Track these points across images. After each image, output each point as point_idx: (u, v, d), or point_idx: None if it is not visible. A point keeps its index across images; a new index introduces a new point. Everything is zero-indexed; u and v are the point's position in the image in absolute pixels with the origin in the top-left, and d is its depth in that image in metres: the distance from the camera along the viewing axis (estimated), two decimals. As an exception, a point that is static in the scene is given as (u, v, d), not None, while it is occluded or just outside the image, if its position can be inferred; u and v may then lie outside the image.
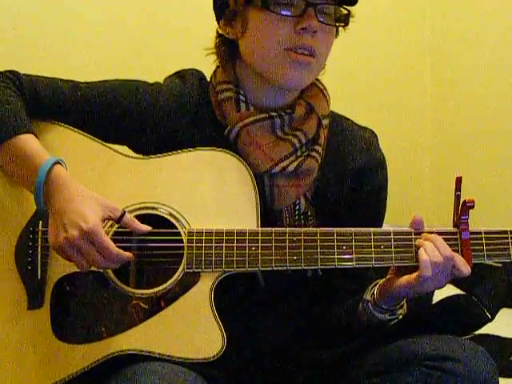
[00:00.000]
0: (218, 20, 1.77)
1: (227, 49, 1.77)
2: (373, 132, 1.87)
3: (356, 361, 1.75)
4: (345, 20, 1.72)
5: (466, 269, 1.61)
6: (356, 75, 3.47)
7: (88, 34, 2.78)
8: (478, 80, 3.48)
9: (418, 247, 1.63)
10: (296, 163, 1.71)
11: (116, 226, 1.65)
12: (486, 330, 2.69)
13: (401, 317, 1.71)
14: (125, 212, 1.61)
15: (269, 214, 1.72)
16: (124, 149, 1.76)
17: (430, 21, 3.64)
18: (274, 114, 1.73)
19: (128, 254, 1.59)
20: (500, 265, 2.59)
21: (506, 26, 3.35)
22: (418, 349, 1.64)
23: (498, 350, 2.54)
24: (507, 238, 1.64)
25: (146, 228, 1.63)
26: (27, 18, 2.69)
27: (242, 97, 1.74)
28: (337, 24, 1.72)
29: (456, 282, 1.91)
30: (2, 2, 2.67)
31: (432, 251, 1.60)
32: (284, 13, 1.65)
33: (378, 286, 1.70)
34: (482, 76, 3.47)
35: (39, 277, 1.67)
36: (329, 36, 1.71)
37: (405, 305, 1.71)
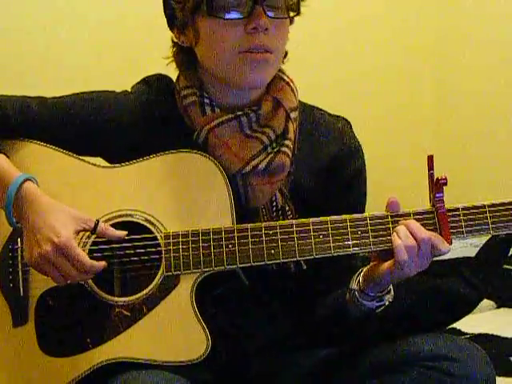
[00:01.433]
0: (170, 29, 1.76)
1: (185, 56, 1.75)
2: (346, 120, 1.85)
3: (352, 361, 1.74)
4: (297, 8, 1.70)
5: (444, 247, 1.59)
6: (357, 76, 3.52)
7: (87, 34, 2.83)
8: (478, 80, 3.52)
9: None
10: (267, 160, 1.70)
11: (93, 236, 1.65)
12: (485, 329, 2.69)
13: (388, 303, 1.68)
14: (98, 221, 1.62)
15: (246, 215, 1.71)
16: (98, 160, 1.76)
17: (431, 21, 3.70)
18: (239, 113, 1.72)
19: (101, 263, 1.59)
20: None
21: (508, 27, 3.39)
22: (414, 349, 1.64)
23: (497, 350, 2.54)
24: (485, 212, 1.62)
25: (122, 233, 1.63)
26: (26, 19, 2.73)
27: (206, 100, 1.73)
28: (290, 15, 1.70)
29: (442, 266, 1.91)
30: (1, 2, 2.71)
31: (405, 235, 1.58)
32: (232, 16, 1.64)
33: (362, 273, 1.68)
34: (482, 76, 3.51)
35: (22, 293, 1.67)
36: (282, 28, 1.69)
37: (392, 290, 1.69)
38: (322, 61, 3.32)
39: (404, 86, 3.66)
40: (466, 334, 2.61)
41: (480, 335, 2.65)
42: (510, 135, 3.43)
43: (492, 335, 2.69)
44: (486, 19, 3.51)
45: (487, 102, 3.50)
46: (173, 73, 1.82)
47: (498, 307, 3.02)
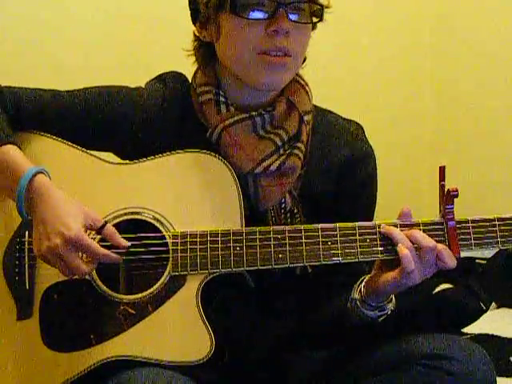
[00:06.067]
0: (193, 22, 1.76)
1: (205, 51, 1.76)
2: (358, 124, 1.85)
3: (353, 361, 1.74)
4: (320, 14, 1.68)
5: (451, 261, 1.59)
6: (358, 76, 3.51)
7: (86, 33, 2.81)
8: (478, 80, 3.52)
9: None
10: (278, 162, 1.70)
11: None
12: (486, 329, 2.70)
13: (390, 312, 1.68)
14: (106, 223, 1.61)
15: (255, 215, 1.71)
16: (109, 155, 1.76)
17: (429, 21, 3.70)
18: (254, 113, 1.72)
19: (116, 255, 1.59)
20: (484, 261, 2.59)
21: (506, 27, 3.38)
22: (414, 348, 1.63)
23: (498, 350, 2.54)
24: (494, 225, 1.61)
25: (126, 243, 1.62)
26: (26, 19, 2.71)
27: (222, 98, 1.73)
28: (312, 20, 1.68)
29: (449, 275, 1.91)
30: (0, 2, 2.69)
31: (410, 244, 1.58)
32: (255, 16, 1.63)
33: (364, 283, 1.68)
34: (481, 76, 3.51)
35: (27, 287, 1.67)
36: (303, 33, 1.68)
37: (393, 299, 1.69)
38: (321, 61, 3.31)
39: (404, 87, 3.66)
40: (466, 334, 2.61)
41: (480, 335, 2.65)
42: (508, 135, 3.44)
43: (492, 335, 2.70)
44: (487, 19, 3.50)
45: (487, 103, 3.50)
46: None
47: (498, 307, 3.03)
